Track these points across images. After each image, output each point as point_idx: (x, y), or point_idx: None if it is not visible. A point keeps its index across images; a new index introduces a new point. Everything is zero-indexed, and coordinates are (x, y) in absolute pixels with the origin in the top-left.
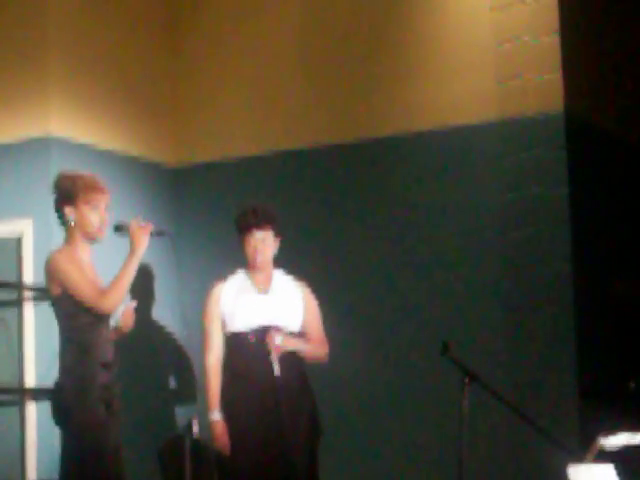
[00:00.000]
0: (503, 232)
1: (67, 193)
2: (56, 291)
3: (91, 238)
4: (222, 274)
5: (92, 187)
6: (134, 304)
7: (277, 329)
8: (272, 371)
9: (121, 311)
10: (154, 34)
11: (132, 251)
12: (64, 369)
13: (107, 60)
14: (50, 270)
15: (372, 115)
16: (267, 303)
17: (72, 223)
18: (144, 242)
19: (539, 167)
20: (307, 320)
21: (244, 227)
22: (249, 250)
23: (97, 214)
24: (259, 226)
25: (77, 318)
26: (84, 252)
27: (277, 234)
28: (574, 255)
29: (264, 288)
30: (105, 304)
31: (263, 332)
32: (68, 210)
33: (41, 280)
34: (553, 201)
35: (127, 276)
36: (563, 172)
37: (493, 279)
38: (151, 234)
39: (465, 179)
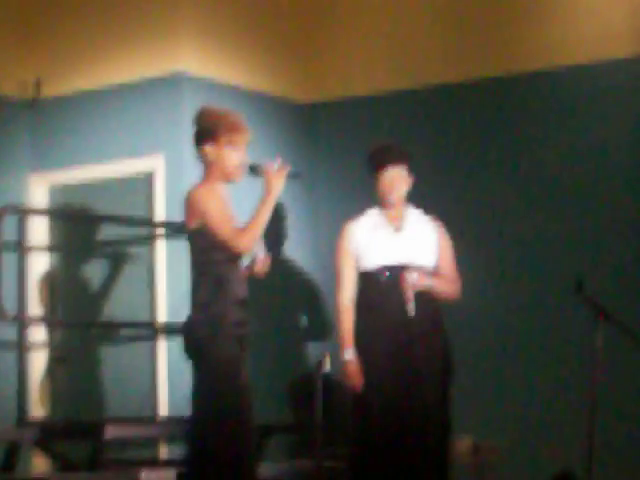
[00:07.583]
0: (636, 167)
1: (210, 131)
2: (194, 225)
3: (229, 178)
4: (356, 211)
5: (237, 128)
6: (269, 257)
7: (412, 266)
8: (405, 308)
9: (258, 258)
10: None
11: (267, 193)
12: (198, 304)
13: None
14: (192, 203)
15: (505, 52)
16: (401, 240)
17: (212, 161)
18: (280, 185)
19: None
20: (440, 257)
21: (378, 164)
22: (383, 187)
23: (238, 155)
24: (393, 163)
25: (212, 253)
26: (222, 190)
27: (410, 172)
28: None
29: (398, 225)
30: (241, 243)
31: (398, 270)
32: (209, 148)
33: (173, 216)
34: None
35: (262, 217)
36: None
37: (628, 214)
38: (287, 176)
39: (597, 116)
